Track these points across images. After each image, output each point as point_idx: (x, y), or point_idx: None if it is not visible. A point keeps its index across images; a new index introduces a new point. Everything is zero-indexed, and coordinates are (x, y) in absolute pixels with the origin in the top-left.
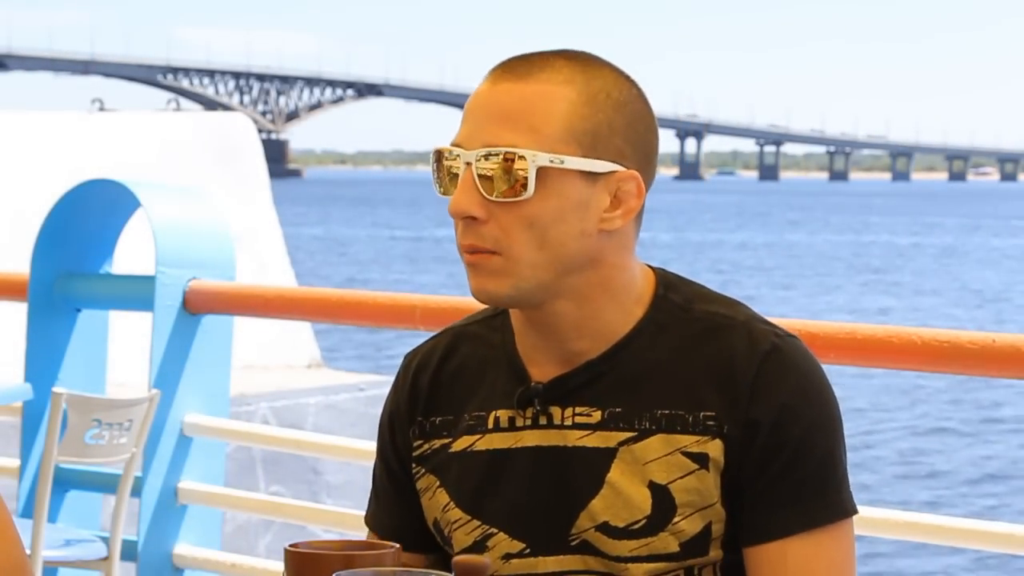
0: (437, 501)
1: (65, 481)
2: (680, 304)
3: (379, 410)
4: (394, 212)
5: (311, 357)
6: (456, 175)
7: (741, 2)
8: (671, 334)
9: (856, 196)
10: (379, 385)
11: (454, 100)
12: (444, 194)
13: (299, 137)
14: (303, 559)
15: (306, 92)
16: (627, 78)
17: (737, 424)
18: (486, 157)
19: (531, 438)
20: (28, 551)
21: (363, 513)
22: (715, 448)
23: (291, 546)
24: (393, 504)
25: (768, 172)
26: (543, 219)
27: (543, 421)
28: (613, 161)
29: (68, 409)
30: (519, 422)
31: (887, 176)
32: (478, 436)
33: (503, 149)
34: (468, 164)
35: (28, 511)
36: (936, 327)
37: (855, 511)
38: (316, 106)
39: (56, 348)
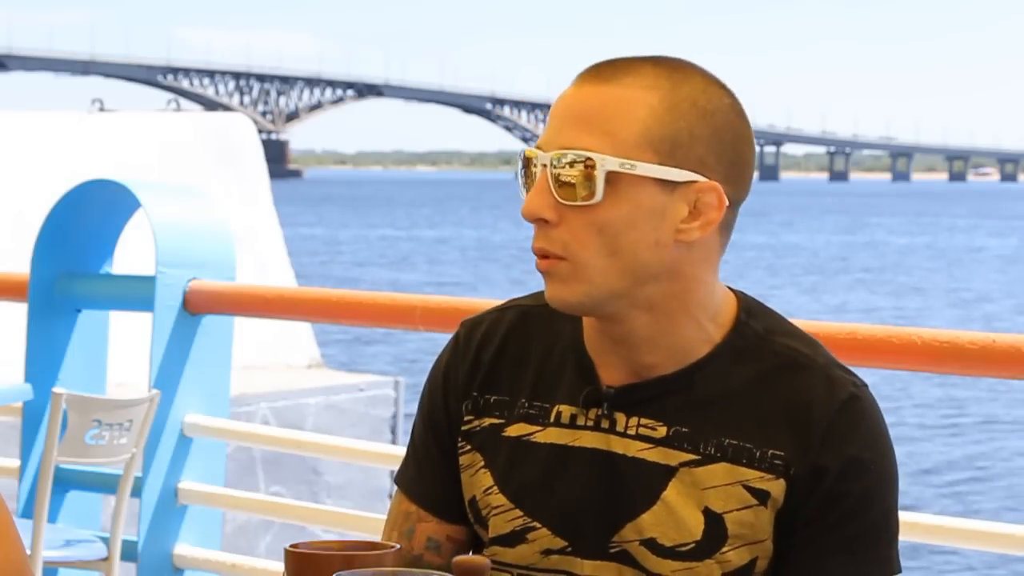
0: (479, 481)
1: (65, 481)
2: (760, 333)
3: (379, 410)
4: (402, 213)
5: (311, 357)
6: (529, 176)
7: (741, 3)
8: (748, 363)
9: (856, 196)
10: (379, 385)
11: (454, 100)
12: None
13: (299, 137)
14: (303, 559)
15: (306, 92)
16: (720, 87)
17: (804, 468)
18: (560, 160)
19: (589, 439)
20: (28, 551)
21: (363, 513)
22: (778, 488)
23: (291, 546)
24: (438, 473)
25: (768, 172)
26: (614, 225)
27: (605, 425)
28: (693, 171)
29: (68, 409)
30: (580, 420)
31: (887, 176)
32: (538, 428)
33: (575, 152)
34: (544, 166)
35: (28, 511)
36: (932, 327)
37: (900, 570)
38: (316, 106)
39: (56, 348)
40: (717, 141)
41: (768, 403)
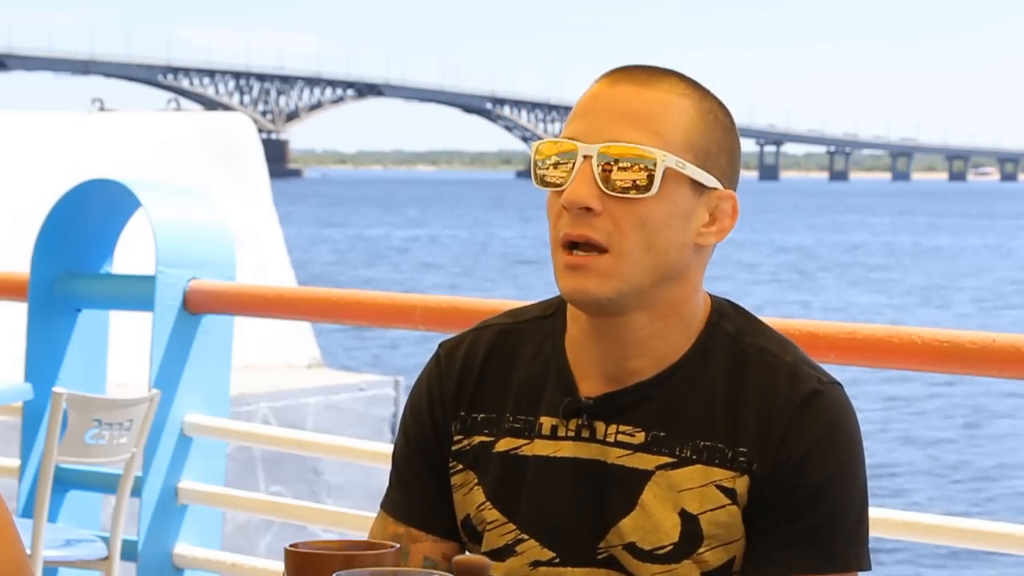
0: (472, 498)
1: (65, 481)
2: (731, 334)
3: (379, 410)
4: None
5: (311, 357)
6: (561, 166)
7: (741, 3)
8: (719, 364)
9: (855, 196)
10: (379, 385)
11: (454, 100)
12: (552, 185)
13: (299, 137)
14: (303, 559)
15: (306, 92)
16: (725, 105)
17: (765, 463)
18: (610, 151)
19: (571, 449)
20: (28, 551)
21: (363, 513)
22: (742, 484)
23: (291, 546)
24: (429, 491)
25: (768, 172)
26: (655, 221)
27: (585, 434)
28: (718, 179)
29: (68, 409)
30: (561, 431)
31: (887, 176)
32: (525, 441)
33: (633, 144)
34: (587, 157)
35: (28, 511)
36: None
37: (863, 567)
38: (316, 106)
39: (56, 348)
40: (732, 155)
41: (737, 402)
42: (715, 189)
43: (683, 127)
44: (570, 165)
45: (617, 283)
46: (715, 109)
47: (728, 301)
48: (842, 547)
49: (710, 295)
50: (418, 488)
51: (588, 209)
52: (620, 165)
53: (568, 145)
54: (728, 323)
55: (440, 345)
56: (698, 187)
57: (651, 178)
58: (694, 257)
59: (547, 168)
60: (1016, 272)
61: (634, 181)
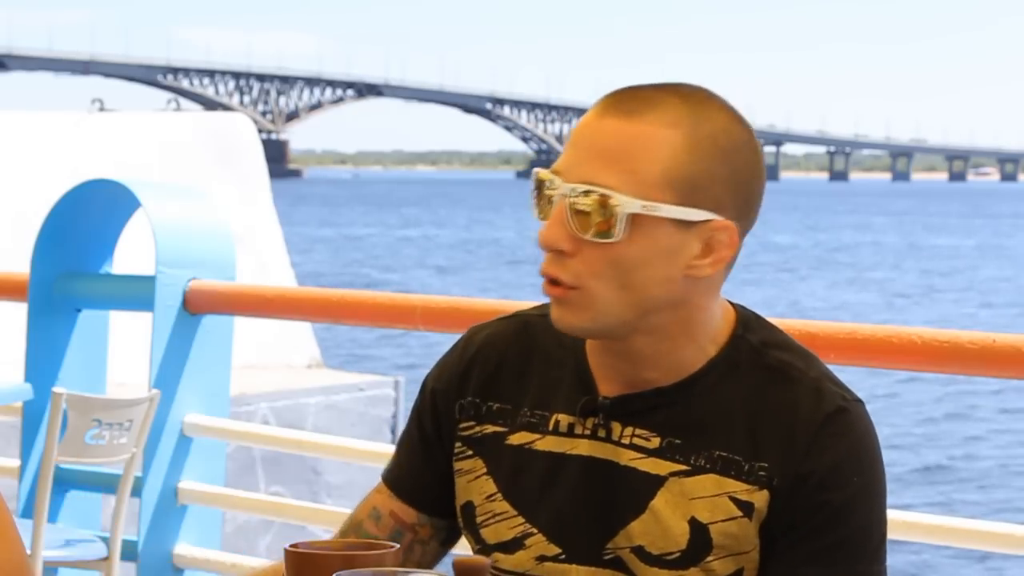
0: (480, 487)
1: (65, 481)
2: (755, 346)
3: (379, 410)
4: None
5: (311, 357)
6: (552, 202)
7: (741, 3)
8: (741, 376)
9: (856, 196)
10: (379, 385)
11: (454, 100)
12: (542, 218)
13: (299, 137)
14: (303, 559)
15: (306, 92)
16: (740, 121)
17: (787, 478)
18: (580, 193)
19: (586, 448)
20: (28, 551)
21: None
22: (761, 499)
23: (291, 546)
24: (409, 456)
25: (768, 172)
26: (628, 262)
27: (601, 434)
28: (710, 210)
29: (68, 409)
30: (578, 429)
31: (887, 176)
32: (538, 436)
33: (598, 189)
34: (563, 196)
35: (28, 511)
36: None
37: None
38: (316, 106)
39: (56, 348)
40: (734, 181)
41: (759, 416)
42: (707, 221)
43: (661, 163)
44: (550, 199)
45: (594, 315)
46: (716, 134)
47: (754, 313)
48: (866, 565)
49: (734, 306)
50: (401, 450)
51: (561, 251)
52: (588, 209)
53: (547, 177)
54: (752, 335)
55: (469, 329)
56: (683, 223)
57: (614, 224)
58: (690, 286)
59: (538, 202)
60: (1015, 271)
61: (600, 226)
